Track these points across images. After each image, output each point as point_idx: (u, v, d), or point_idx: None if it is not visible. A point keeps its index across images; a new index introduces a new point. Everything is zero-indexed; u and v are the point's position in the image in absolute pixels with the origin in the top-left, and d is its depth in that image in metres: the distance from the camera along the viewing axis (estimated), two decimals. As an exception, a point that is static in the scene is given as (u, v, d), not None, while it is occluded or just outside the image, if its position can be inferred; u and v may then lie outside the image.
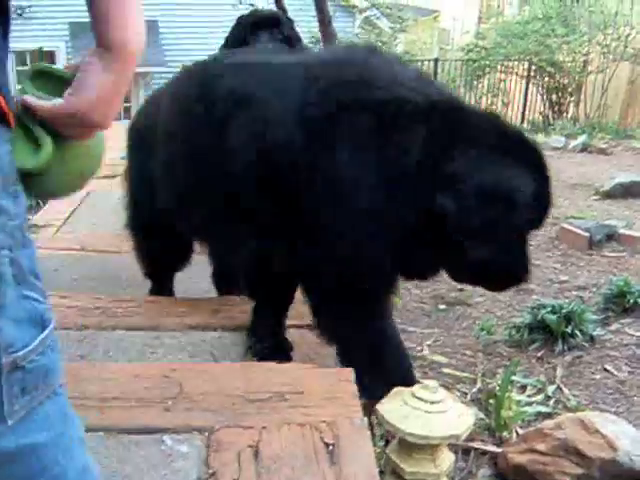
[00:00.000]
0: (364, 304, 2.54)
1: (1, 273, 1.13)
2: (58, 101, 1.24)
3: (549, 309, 3.53)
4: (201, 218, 2.90)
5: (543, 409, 2.92)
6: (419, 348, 3.50)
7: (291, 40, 3.98)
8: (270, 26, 3.90)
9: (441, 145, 2.26)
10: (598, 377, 3.27)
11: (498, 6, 21.82)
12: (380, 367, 2.56)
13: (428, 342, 3.57)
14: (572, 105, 14.39)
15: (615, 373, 3.30)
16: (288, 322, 2.99)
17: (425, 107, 2.33)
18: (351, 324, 2.55)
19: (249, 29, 3.90)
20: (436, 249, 2.35)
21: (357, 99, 2.38)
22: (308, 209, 2.42)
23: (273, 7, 8.45)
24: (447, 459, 2.18)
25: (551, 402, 3.00)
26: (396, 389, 2.23)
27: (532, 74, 14.69)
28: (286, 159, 2.41)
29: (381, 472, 2.28)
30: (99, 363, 2.69)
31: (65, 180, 1.37)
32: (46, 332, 1.23)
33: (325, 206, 2.39)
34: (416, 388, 2.15)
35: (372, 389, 2.40)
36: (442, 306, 4.13)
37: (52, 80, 1.31)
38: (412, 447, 2.12)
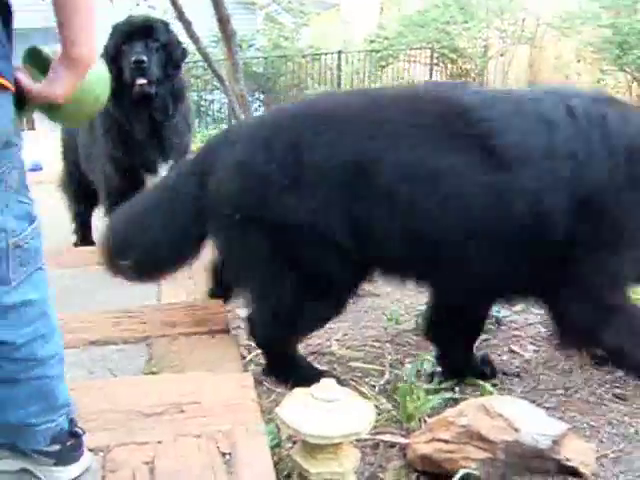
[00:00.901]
0: None
1: (10, 184, 1.77)
2: (37, 86, 1.79)
3: (454, 295, 3.55)
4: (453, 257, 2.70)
5: (450, 396, 2.92)
6: (327, 343, 3.46)
7: (169, 46, 3.87)
8: (144, 35, 3.77)
9: None
10: (505, 358, 3.30)
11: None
12: None
13: (336, 337, 3.54)
14: (476, 90, 14.64)
15: (521, 353, 3.34)
16: (189, 330, 2.94)
17: None
18: None
19: (124, 38, 3.76)
20: None
21: None
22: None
23: (170, 8, 8.34)
24: (352, 456, 2.15)
25: (459, 388, 3.01)
26: (295, 390, 2.20)
27: (435, 61, 14.92)
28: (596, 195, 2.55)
29: (289, 475, 2.26)
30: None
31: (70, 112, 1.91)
32: (34, 224, 1.86)
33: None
34: (314, 388, 2.11)
35: None
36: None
37: (41, 58, 1.84)
38: (314, 448, 2.08)
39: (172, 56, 3.88)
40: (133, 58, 3.67)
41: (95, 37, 1.75)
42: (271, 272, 2.77)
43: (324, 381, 2.13)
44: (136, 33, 3.74)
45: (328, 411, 2.05)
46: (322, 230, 2.64)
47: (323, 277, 2.73)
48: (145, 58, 3.67)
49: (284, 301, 2.78)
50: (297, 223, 2.63)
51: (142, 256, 3.01)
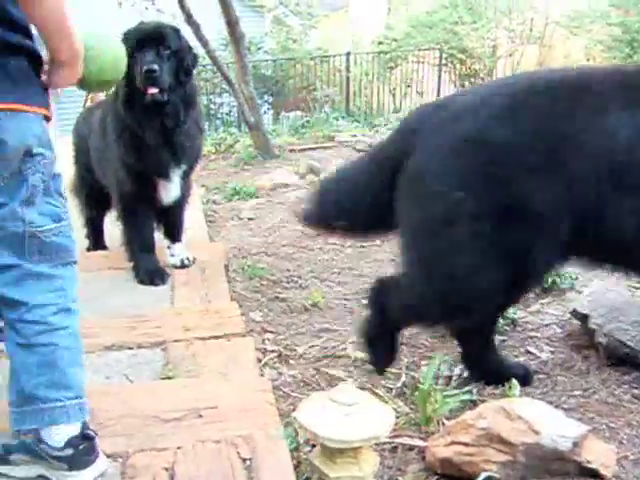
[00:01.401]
0: None
1: (36, 185, 2.06)
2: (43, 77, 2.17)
3: (469, 296, 3.52)
4: None
5: (468, 398, 2.90)
6: (343, 346, 3.45)
7: (180, 53, 3.85)
8: (156, 43, 3.74)
9: None
10: (521, 360, 3.28)
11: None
12: None
13: (351, 339, 3.53)
14: (485, 90, 14.60)
15: (537, 354, 3.32)
16: (204, 334, 2.93)
17: None
18: None
19: (135, 45, 3.72)
20: None
21: None
22: None
23: (178, 10, 8.36)
24: (371, 460, 2.14)
25: (476, 390, 2.99)
26: (314, 394, 2.19)
27: (443, 62, 14.87)
28: None
29: (308, 479, 2.25)
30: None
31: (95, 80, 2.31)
32: (60, 224, 2.13)
33: None
34: (333, 392, 2.10)
35: None
36: (365, 302, 4.09)
37: None
38: (334, 452, 2.07)
39: (183, 63, 3.85)
40: (145, 67, 3.65)
41: (75, 41, 2.09)
42: (470, 249, 2.61)
43: (342, 384, 2.12)
44: (147, 40, 3.72)
45: (347, 415, 2.04)
46: (562, 212, 2.52)
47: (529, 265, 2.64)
48: (156, 67, 3.66)
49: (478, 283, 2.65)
50: (534, 203, 2.50)
51: (348, 219, 3.00)
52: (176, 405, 2.29)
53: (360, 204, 2.94)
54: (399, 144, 2.82)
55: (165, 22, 4.13)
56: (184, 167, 4.03)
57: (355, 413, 2.04)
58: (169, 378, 2.67)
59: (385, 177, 2.79)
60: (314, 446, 2.39)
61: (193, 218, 4.92)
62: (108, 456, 2.07)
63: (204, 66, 13.20)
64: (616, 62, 11.76)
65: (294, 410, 2.74)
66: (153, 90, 3.69)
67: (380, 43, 15.79)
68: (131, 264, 4.07)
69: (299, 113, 13.25)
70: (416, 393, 2.83)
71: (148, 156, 3.87)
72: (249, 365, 2.75)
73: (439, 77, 14.91)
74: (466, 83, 14.89)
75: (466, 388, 2.99)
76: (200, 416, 2.22)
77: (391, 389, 3.02)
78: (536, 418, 2.32)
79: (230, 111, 13.80)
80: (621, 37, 11.43)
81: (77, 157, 4.72)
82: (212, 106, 13.58)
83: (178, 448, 2.07)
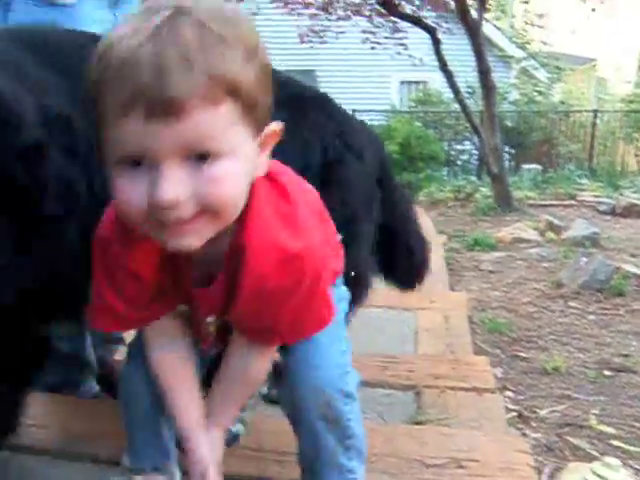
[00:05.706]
0: None
1: None
2: None
3: None
4: None
5: None
6: (585, 417, 3.40)
7: None
8: None
9: None
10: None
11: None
12: None
13: (594, 411, 3.47)
14: None
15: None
16: (455, 384, 3.02)
17: None
18: None
19: None
20: None
21: None
22: None
23: (431, 59, 8.62)
24: (626, 540, 2.13)
25: None
26: (574, 464, 2.21)
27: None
28: None
29: None
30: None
31: None
32: None
33: None
34: (597, 465, 2.12)
35: None
36: (607, 372, 4.01)
37: None
38: (591, 527, 2.09)
39: None
40: None
41: None
42: None
43: (608, 458, 2.13)
44: None
45: (610, 491, 2.05)
46: None
47: None
48: None
49: None
50: None
51: None
52: (436, 452, 2.37)
53: None
54: None
55: None
56: None
57: (619, 491, 2.04)
58: (420, 423, 2.78)
59: None
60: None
61: (436, 265, 5.03)
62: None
63: (448, 113, 13.42)
64: None
65: (539, 475, 2.77)
66: None
67: (630, 102, 15.24)
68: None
69: (539, 167, 13.09)
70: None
71: None
72: (500, 422, 2.78)
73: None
74: None
75: None
76: (461, 467, 2.28)
77: (638, 470, 2.94)
78: None
79: (469, 159, 13.88)
80: None
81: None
82: (452, 152, 13.71)
83: (440, 495, 2.16)
